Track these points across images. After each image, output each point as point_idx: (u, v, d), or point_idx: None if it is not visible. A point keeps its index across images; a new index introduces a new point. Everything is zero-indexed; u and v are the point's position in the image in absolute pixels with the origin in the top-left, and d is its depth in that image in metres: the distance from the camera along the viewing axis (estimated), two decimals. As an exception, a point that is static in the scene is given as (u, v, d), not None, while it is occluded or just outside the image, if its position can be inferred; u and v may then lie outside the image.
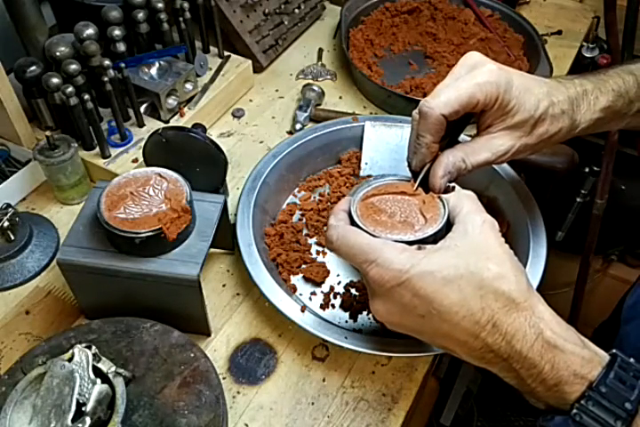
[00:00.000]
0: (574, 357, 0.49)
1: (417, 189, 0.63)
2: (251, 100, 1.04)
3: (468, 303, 0.50)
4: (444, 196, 0.60)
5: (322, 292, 0.77)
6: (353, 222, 0.59)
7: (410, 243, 0.55)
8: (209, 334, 0.73)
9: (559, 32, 1.17)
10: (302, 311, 0.70)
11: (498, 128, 0.62)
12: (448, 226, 0.57)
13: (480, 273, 0.50)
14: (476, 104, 0.60)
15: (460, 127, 0.65)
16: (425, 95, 0.99)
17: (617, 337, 0.90)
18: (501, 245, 0.53)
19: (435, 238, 0.56)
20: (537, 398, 0.51)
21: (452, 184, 0.63)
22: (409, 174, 0.68)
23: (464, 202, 0.57)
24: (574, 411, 0.48)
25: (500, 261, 0.52)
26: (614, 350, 0.51)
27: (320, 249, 0.81)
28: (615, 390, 0.48)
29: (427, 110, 0.59)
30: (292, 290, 0.76)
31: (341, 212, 0.60)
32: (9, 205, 0.79)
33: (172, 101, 0.90)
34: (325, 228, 0.81)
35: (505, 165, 0.84)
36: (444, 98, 0.59)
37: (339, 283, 0.78)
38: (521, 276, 0.52)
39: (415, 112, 0.61)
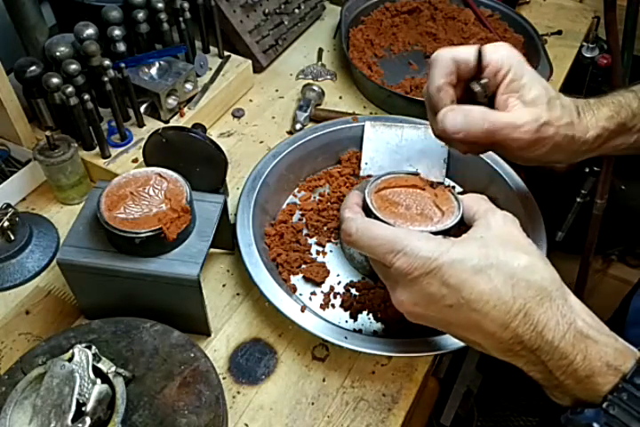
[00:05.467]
0: (607, 348, 0.49)
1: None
2: (251, 100, 1.04)
3: (498, 292, 0.49)
4: (459, 196, 0.60)
5: (322, 292, 0.77)
6: (370, 215, 0.58)
7: (433, 234, 0.55)
8: (209, 334, 0.73)
9: (559, 32, 1.17)
10: (302, 311, 0.70)
11: (516, 104, 0.62)
12: (462, 223, 0.57)
13: (511, 262, 0.50)
14: (488, 63, 0.62)
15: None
16: (425, 95, 0.99)
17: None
18: (525, 237, 0.54)
19: (454, 231, 0.56)
20: (565, 391, 0.50)
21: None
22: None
23: (479, 202, 0.58)
24: (607, 403, 0.47)
25: (529, 250, 0.52)
26: None
27: (320, 249, 0.81)
28: None
29: (437, 53, 0.63)
30: (292, 290, 0.76)
31: (355, 205, 0.59)
32: (9, 205, 0.79)
33: (172, 101, 0.90)
34: (326, 228, 0.81)
35: (505, 164, 0.84)
36: (456, 47, 0.63)
37: (339, 283, 0.78)
38: (549, 265, 0.52)
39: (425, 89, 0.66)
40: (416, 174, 0.64)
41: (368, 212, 0.59)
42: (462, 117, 0.61)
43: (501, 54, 0.62)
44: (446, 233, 0.57)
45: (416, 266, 0.51)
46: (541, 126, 0.61)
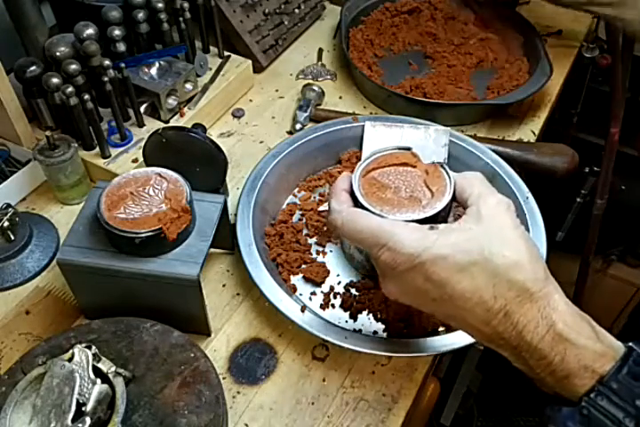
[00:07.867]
0: (586, 350, 0.48)
1: None
2: (251, 100, 1.04)
3: (480, 291, 0.49)
4: (451, 173, 0.58)
5: (322, 292, 0.77)
6: (357, 203, 0.57)
7: (420, 221, 0.54)
8: (209, 334, 0.73)
9: (559, 32, 1.17)
10: (302, 311, 0.70)
11: None
12: (454, 200, 0.56)
13: (494, 260, 0.49)
14: None
15: None
16: (425, 95, 0.99)
17: None
18: (517, 227, 0.52)
19: (445, 213, 0.55)
20: (546, 386, 0.51)
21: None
22: None
23: (474, 183, 0.56)
24: (583, 404, 0.47)
25: (516, 246, 0.51)
26: (630, 343, 0.49)
27: (320, 249, 0.81)
28: (627, 387, 0.46)
29: None
30: (292, 290, 0.76)
31: (342, 192, 0.58)
32: (9, 205, 0.79)
33: (172, 101, 0.90)
34: (325, 228, 0.81)
35: (505, 164, 0.84)
36: None
37: (339, 283, 0.78)
38: (537, 262, 0.51)
39: None
40: (408, 149, 0.61)
41: (355, 199, 0.57)
42: None
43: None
44: (435, 217, 0.55)
45: (400, 261, 0.51)
46: None
